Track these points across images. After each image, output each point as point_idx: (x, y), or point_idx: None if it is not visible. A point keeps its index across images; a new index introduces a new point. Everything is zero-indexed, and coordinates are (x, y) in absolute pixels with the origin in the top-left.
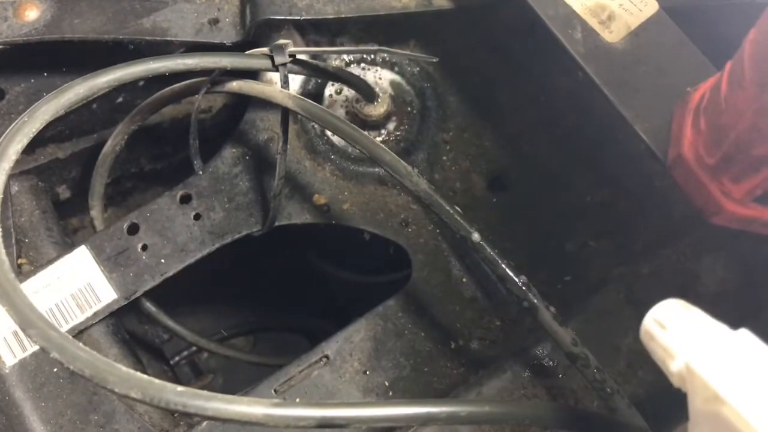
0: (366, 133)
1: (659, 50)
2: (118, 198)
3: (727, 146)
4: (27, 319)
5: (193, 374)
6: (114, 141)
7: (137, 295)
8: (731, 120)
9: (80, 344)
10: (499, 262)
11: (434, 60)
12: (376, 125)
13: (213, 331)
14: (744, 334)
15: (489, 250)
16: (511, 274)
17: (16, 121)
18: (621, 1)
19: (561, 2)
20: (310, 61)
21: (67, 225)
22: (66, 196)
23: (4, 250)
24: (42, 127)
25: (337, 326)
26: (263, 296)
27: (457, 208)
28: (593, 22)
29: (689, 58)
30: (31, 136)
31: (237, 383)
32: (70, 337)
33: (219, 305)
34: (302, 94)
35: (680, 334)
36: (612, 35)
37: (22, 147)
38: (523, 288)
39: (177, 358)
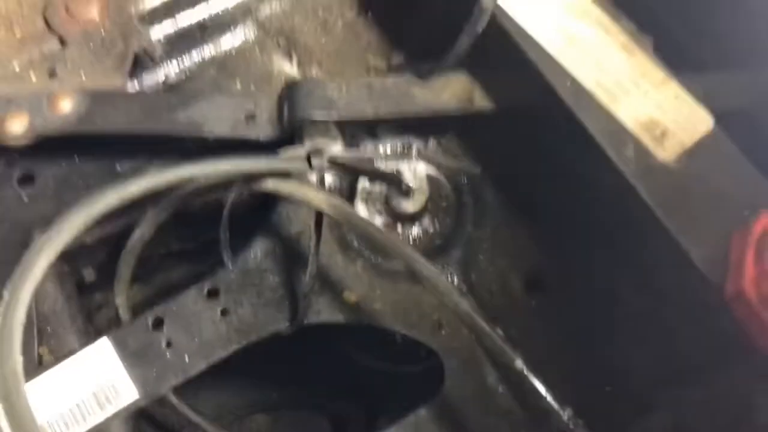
0: (407, 244)
1: (716, 171)
2: (144, 275)
3: None
4: None
5: None
6: (142, 230)
7: (160, 394)
8: None
9: None
10: (544, 394)
11: (477, 171)
12: (410, 220)
13: (232, 406)
14: None
15: (534, 380)
16: (557, 407)
17: (42, 236)
18: (674, 117)
19: (611, 117)
20: (347, 162)
21: (92, 300)
22: (91, 279)
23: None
24: (69, 242)
25: (361, 409)
26: (286, 372)
27: (499, 331)
28: (646, 139)
29: (748, 180)
30: (58, 252)
31: None
32: None
33: (239, 379)
34: (335, 184)
35: None
36: (666, 154)
37: (49, 265)
38: (570, 425)
39: None
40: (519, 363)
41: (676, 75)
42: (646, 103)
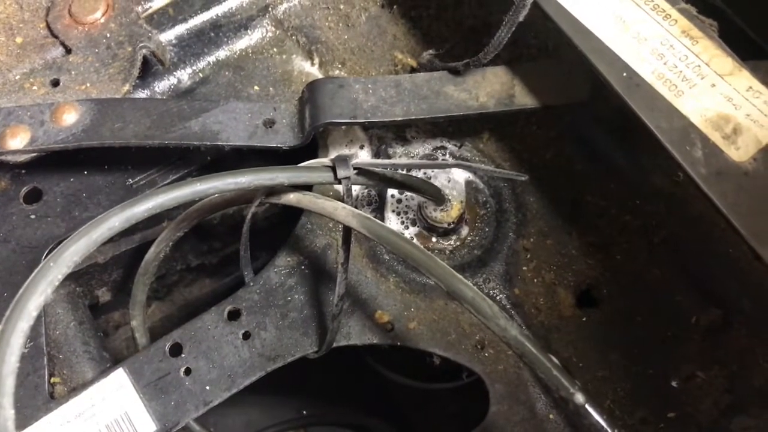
0: (444, 263)
1: None
2: (162, 291)
3: None
4: None
5: None
6: (158, 248)
7: (178, 427)
8: None
9: None
10: (607, 429)
11: (524, 178)
12: (446, 230)
13: (261, 424)
14: None
15: (596, 416)
16: None
17: (41, 265)
18: (748, 111)
19: (676, 113)
20: (376, 170)
21: (109, 319)
22: (106, 299)
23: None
24: (70, 271)
25: (392, 426)
26: (315, 389)
27: (554, 359)
28: (716, 137)
29: None
30: (56, 284)
31: None
32: None
33: (267, 396)
34: (363, 194)
35: None
36: (739, 153)
37: (46, 299)
38: None
39: None
40: (580, 397)
41: (747, 64)
42: (714, 97)
